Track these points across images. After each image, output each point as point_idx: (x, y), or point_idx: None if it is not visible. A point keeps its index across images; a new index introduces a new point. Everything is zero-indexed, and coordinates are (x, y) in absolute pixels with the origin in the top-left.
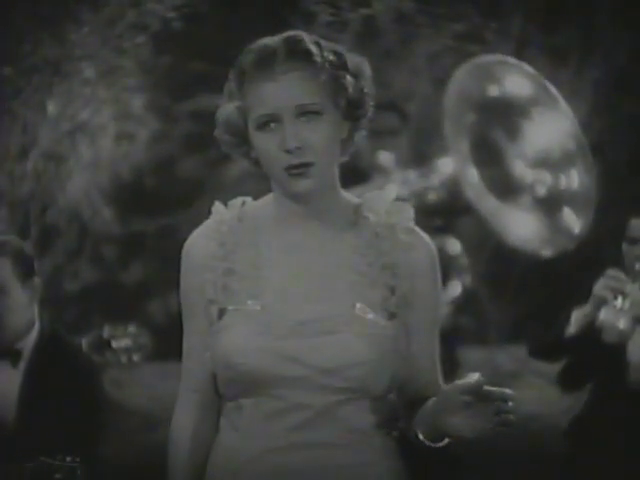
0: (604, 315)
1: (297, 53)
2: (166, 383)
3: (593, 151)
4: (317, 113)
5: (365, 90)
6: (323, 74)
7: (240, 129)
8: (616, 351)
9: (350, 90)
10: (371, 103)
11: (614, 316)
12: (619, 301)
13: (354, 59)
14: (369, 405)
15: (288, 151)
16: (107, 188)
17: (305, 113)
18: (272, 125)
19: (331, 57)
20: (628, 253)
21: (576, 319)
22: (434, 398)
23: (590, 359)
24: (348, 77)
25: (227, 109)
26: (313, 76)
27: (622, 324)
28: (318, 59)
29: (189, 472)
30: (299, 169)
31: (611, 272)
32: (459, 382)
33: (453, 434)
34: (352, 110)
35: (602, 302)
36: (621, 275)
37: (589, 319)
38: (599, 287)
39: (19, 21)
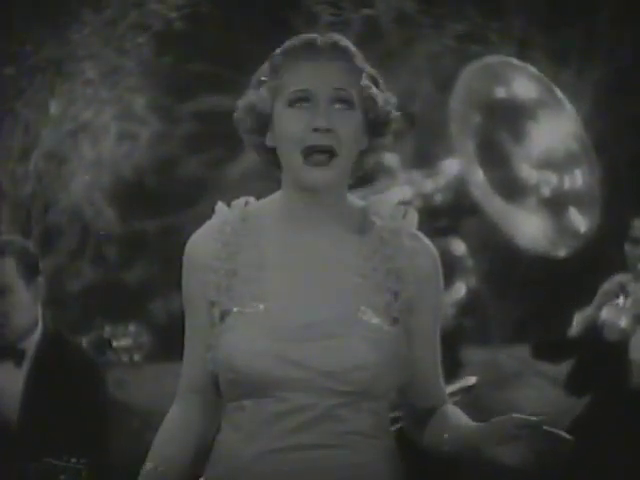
0: (606, 314)
1: (341, 48)
2: (169, 383)
3: (595, 152)
4: (350, 105)
5: (391, 115)
6: (361, 77)
7: (265, 112)
8: (618, 350)
9: (380, 103)
10: (393, 127)
11: (616, 314)
12: (621, 300)
13: (385, 88)
14: (370, 407)
15: (317, 130)
16: (109, 188)
17: (340, 100)
18: (305, 104)
19: (369, 69)
20: (631, 253)
21: (579, 320)
22: (479, 424)
23: (593, 359)
24: (380, 92)
25: (253, 93)
26: (352, 73)
27: (623, 322)
28: (358, 62)
29: (167, 460)
30: (320, 155)
31: (617, 277)
32: (517, 415)
33: (495, 460)
34: (376, 125)
35: (605, 302)
36: (626, 278)
37: (592, 320)
38: (604, 289)
39: (21, 21)
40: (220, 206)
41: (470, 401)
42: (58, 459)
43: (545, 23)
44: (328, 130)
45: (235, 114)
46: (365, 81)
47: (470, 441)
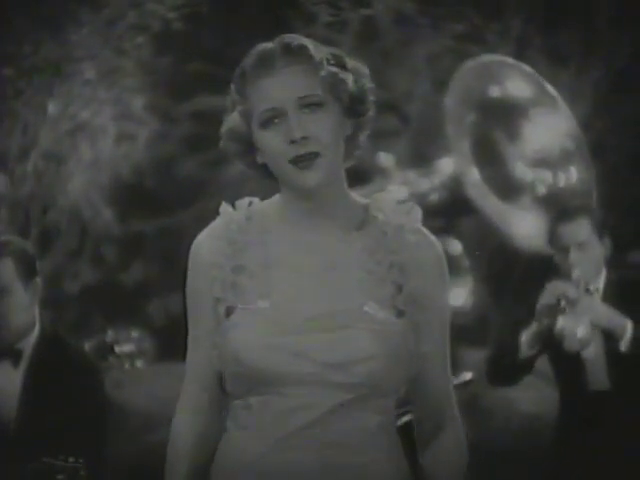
0: (562, 324)
1: (294, 49)
2: (167, 384)
3: (593, 152)
4: (320, 105)
5: (365, 88)
6: (322, 69)
7: (244, 135)
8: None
9: (350, 85)
10: (372, 99)
11: (572, 324)
12: (563, 303)
13: (352, 61)
14: (376, 405)
15: (293, 141)
16: (107, 188)
17: (308, 105)
18: (276, 120)
19: (329, 56)
20: (561, 261)
21: (527, 339)
22: None
23: (552, 367)
24: (347, 73)
25: (230, 118)
26: (312, 70)
27: (580, 332)
28: (315, 55)
29: (188, 471)
30: (305, 161)
31: (553, 285)
32: None
33: None
34: (354, 106)
35: (546, 312)
36: (560, 284)
37: (544, 333)
38: (542, 300)
39: (20, 22)
40: (225, 207)
41: (469, 401)
42: (56, 459)
43: (544, 23)
44: (304, 138)
45: (220, 143)
46: (326, 70)
47: None
